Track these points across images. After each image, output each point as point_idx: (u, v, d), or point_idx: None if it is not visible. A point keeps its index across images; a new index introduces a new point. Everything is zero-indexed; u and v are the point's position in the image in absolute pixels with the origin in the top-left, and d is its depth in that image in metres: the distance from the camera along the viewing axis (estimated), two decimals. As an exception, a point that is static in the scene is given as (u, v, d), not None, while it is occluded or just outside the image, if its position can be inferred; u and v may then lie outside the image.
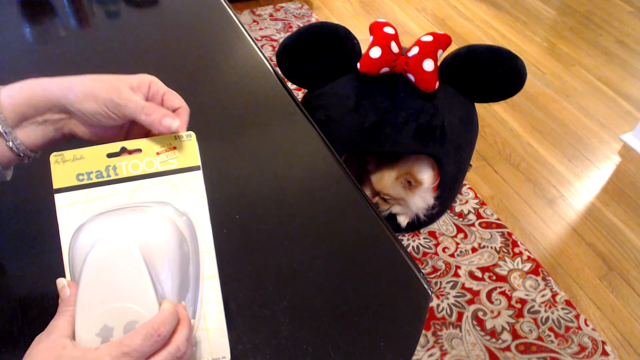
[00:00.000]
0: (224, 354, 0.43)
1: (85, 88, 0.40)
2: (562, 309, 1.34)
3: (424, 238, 1.50)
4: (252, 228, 0.58)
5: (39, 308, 0.48)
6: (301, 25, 1.97)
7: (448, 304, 1.33)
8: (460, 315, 1.30)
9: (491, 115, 1.98)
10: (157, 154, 0.41)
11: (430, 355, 1.22)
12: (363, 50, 1.19)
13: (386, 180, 1.28)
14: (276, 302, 0.50)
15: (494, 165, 1.77)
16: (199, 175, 0.42)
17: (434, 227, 1.53)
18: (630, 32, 2.57)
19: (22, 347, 0.45)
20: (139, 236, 0.38)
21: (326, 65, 1.20)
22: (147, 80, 0.43)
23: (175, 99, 0.44)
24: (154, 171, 0.42)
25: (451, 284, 1.38)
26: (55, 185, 0.41)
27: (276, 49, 1.17)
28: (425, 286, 0.53)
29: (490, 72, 1.18)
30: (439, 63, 1.18)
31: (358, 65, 1.16)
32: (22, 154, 0.42)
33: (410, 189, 1.27)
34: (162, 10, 0.95)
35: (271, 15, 2.42)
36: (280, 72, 1.12)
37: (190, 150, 0.42)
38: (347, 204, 0.61)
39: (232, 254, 0.54)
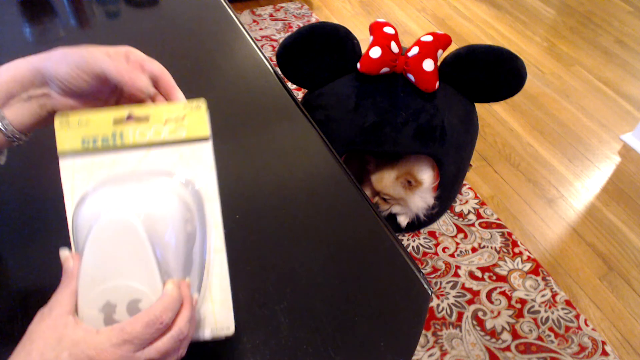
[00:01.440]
0: (228, 325, 0.42)
1: (59, 53, 0.41)
2: (562, 309, 1.34)
3: (424, 238, 1.50)
4: (252, 228, 0.58)
5: (40, 306, 0.48)
6: (301, 25, 1.97)
7: (448, 304, 1.33)
8: (460, 315, 1.30)
9: (491, 115, 1.98)
10: (166, 121, 0.40)
11: (430, 355, 1.22)
12: (363, 50, 1.19)
13: (386, 180, 1.28)
14: (276, 302, 0.50)
15: (494, 165, 1.77)
16: (208, 146, 0.40)
17: (434, 227, 1.53)
18: (630, 32, 2.57)
19: (22, 347, 0.45)
20: (144, 210, 0.37)
21: (326, 65, 1.20)
22: (123, 50, 0.43)
23: (154, 65, 0.43)
24: (161, 140, 0.40)
25: (451, 284, 1.38)
26: (59, 149, 0.39)
27: (276, 49, 1.17)
28: (425, 286, 0.53)
29: (490, 72, 1.18)
30: (439, 63, 1.18)
31: (358, 65, 1.16)
32: (11, 135, 0.41)
33: (410, 189, 1.27)
34: (162, 10, 0.95)
35: (271, 15, 2.41)
36: (280, 72, 1.12)
37: (200, 120, 0.40)
38: (347, 204, 0.61)
39: (232, 254, 0.54)
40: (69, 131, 0.39)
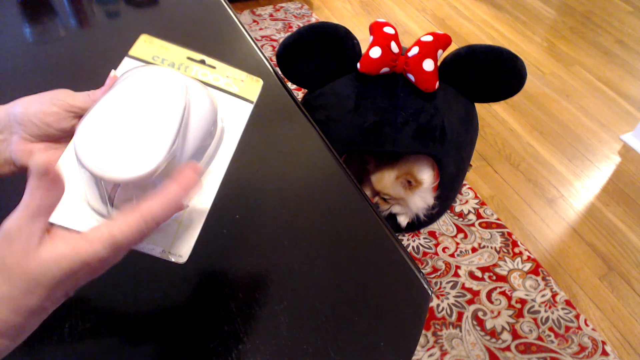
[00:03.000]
0: (182, 254, 0.41)
1: (32, 96, 0.40)
2: (562, 309, 1.34)
3: (424, 238, 1.50)
4: (252, 228, 0.58)
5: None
6: (301, 25, 1.97)
7: (448, 304, 1.33)
8: (460, 315, 1.30)
9: (491, 115, 1.98)
10: (227, 76, 0.46)
11: (430, 355, 1.22)
12: (363, 50, 1.19)
13: (386, 180, 1.28)
14: (276, 302, 0.50)
15: (494, 165, 1.77)
16: (249, 107, 0.45)
17: (434, 227, 1.53)
18: (630, 32, 2.57)
19: (21, 346, 0.45)
20: (191, 91, 0.39)
21: (326, 65, 1.20)
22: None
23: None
24: (217, 85, 0.45)
25: (451, 284, 1.38)
26: (131, 53, 0.44)
27: (276, 49, 1.17)
28: (425, 286, 0.53)
29: (490, 72, 1.18)
30: (439, 63, 1.18)
31: (358, 65, 1.16)
32: None
33: (410, 189, 1.27)
34: (162, 10, 0.95)
35: (271, 15, 2.42)
36: (280, 72, 1.12)
37: (253, 89, 0.46)
38: (347, 204, 0.61)
39: (232, 253, 0.55)
40: (147, 46, 0.44)
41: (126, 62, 0.44)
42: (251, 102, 0.46)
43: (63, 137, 0.41)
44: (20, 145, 0.39)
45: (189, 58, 0.45)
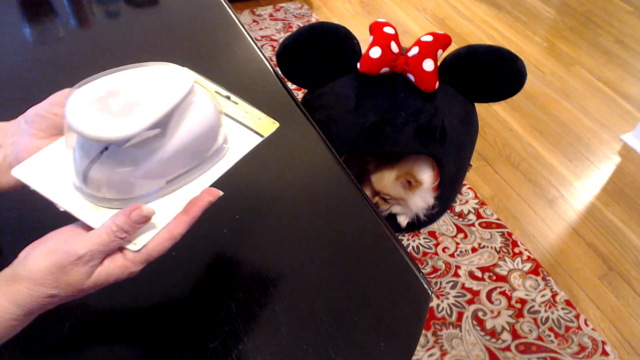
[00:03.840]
0: (137, 243, 0.39)
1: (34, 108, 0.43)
2: (562, 309, 1.34)
3: (424, 238, 1.50)
4: (252, 228, 0.58)
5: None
6: (301, 25, 1.97)
7: (448, 304, 1.33)
8: (460, 315, 1.30)
9: (491, 115, 1.98)
10: (246, 112, 0.48)
11: (430, 355, 1.22)
12: (363, 50, 1.19)
13: (386, 180, 1.28)
14: (276, 302, 0.50)
15: (494, 165, 1.77)
16: (257, 139, 0.46)
17: (434, 227, 1.53)
18: (630, 32, 2.57)
19: (22, 346, 0.45)
20: (198, 92, 0.41)
21: (326, 65, 1.20)
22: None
23: None
24: (233, 116, 0.47)
25: (451, 284, 1.38)
26: None
27: (276, 49, 1.17)
28: (425, 286, 0.53)
29: (490, 72, 1.18)
30: (439, 63, 1.18)
31: (358, 65, 1.16)
32: None
33: (410, 189, 1.27)
34: (162, 10, 0.95)
35: (271, 15, 2.41)
36: (280, 72, 1.12)
37: (268, 127, 0.47)
38: (347, 204, 0.61)
39: (232, 253, 0.55)
40: None
41: None
42: (261, 135, 0.47)
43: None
44: (28, 143, 0.42)
45: (216, 92, 0.47)
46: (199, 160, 0.42)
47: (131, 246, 0.39)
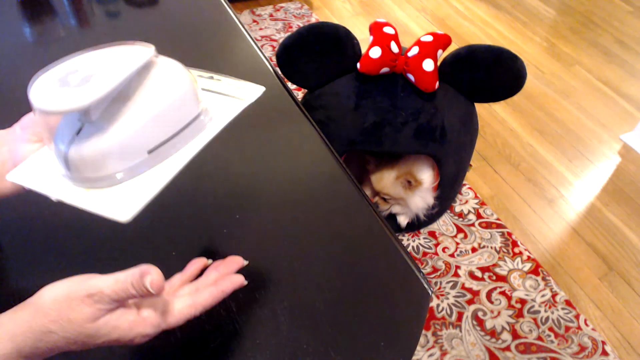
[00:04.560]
0: (124, 214, 0.38)
1: None
2: (562, 309, 1.34)
3: (424, 238, 1.50)
4: (252, 228, 0.58)
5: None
6: (301, 25, 1.97)
7: (448, 304, 1.33)
8: (460, 315, 1.30)
9: (491, 115, 1.98)
10: (229, 84, 0.48)
11: (430, 355, 1.22)
12: (363, 50, 1.19)
13: (386, 180, 1.28)
14: (276, 302, 0.50)
15: (494, 165, 1.77)
16: (241, 104, 0.46)
17: (434, 227, 1.53)
18: (630, 32, 2.57)
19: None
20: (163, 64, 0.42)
21: (326, 65, 1.20)
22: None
23: None
24: (216, 91, 0.48)
25: (451, 284, 1.38)
26: None
27: (276, 49, 1.17)
28: (425, 286, 0.53)
29: (490, 72, 1.18)
30: (439, 63, 1.18)
31: (358, 65, 1.16)
32: None
33: (410, 188, 1.27)
34: (162, 10, 0.95)
35: (271, 15, 2.41)
36: (280, 72, 1.12)
37: (251, 93, 0.47)
38: (347, 204, 0.61)
39: (232, 253, 0.54)
40: None
41: None
42: (245, 101, 0.47)
43: None
44: (24, 148, 0.43)
45: (199, 76, 0.48)
46: (177, 127, 0.42)
47: (120, 217, 0.38)
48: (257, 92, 0.47)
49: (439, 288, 1.37)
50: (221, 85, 0.48)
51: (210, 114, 0.45)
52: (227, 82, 0.48)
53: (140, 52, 0.40)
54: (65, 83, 0.37)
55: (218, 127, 0.44)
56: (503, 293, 1.36)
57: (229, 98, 0.47)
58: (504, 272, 1.42)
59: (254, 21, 2.36)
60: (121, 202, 0.39)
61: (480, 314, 1.31)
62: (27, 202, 0.57)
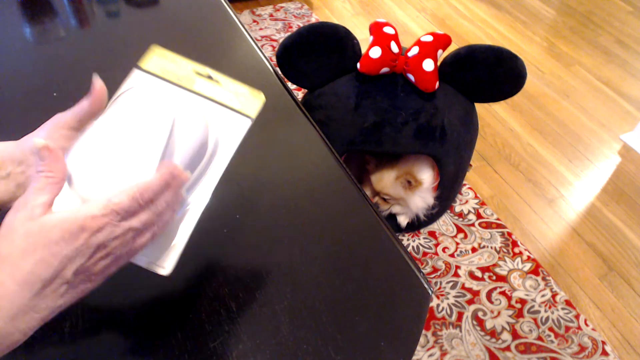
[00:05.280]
0: (165, 266, 0.42)
1: (35, 131, 0.42)
2: (562, 309, 1.34)
3: (424, 238, 1.50)
4: (252, 228, 0.58)
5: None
6: (301, 25, 1.97)
7: (448, 304, 1.33)
8: (460, 315, 1.30)
9: (491, 115, 1.98)
10: (230, 91, 0.47)
11: (430, 355, 1.22)
12: (363, 50, 1.19)
13: (386, 180, 1.28)
14: (276, 302, 0.50)
15: (494, 165, 1.77)
16: (247, 122, 0.47)
17: (434, 227, 1.53)
18: (630, 32, 2.57)
19: (22, 345, 0.45)
20: (179, 108, 0.41)
21: (326, 65, 1.20)
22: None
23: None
24: (219, 100, 0.47)
25: (451, 284, 1.38)
26: (142, 65, 0.45)
27: (276, 49, 1.17)
28: (425, 286, 0.53)
29: (490, 72, 1.18)
30: (439, 63, 1.18)
31: (358, 65, 1.16)
32: None
33: (410, 189, 1.27)
34: (162, 10, 0.95)
35: (271, 15, 2.42)
36: (280, 72, 1.12)
37: (254, 104, 0.47)
38: (347, 204, 0.61)
39: (232, 253, 0.55)
40: (157, 59, 0.46)
41: (136, 75, 0.45)
42: (250, 118, 0.47)
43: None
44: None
45: (196, 72, 0.46)
46: (196, 165, 0.43)
47: (161, 270, 0.41)
48: (259, 103, 0.48)
49: (439, 288, 1.37)
50: (221, 91, 0.47)
51: (219, 142, 0.45)
52: (227, 85, 0.47)
53: (162, 116, 0.40)
54: (104, 167, 0.38)
55: (229, 154, 0.45)
56: (503, 293, 1.36)
57: (233, 114, 0.47)
58: (504, 272, 1.42)
59: (254, 21, 2.36)
60: (160, 254, 0.42)
61: (480, 314, 1.31)
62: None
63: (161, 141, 0.39)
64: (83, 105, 0.42)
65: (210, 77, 0.47)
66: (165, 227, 0.40)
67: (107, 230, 0.34)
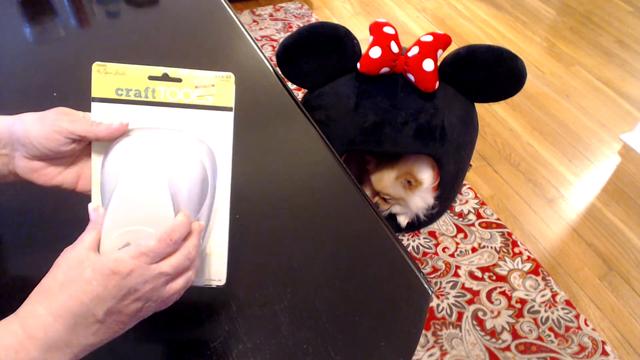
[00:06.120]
0: (220, 277, 0.46)
1: (33, 116, 0.42)
2: (562, 309, 1.34)
3: (424, 238, 1.50)
4: (252, 228, 0.58)
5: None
6: (301, 25, 1.97)
7: (448, 304, 1.33)
8: (460, 315, 1.30)
9: (491, 115, 1.98)
10: (196, 87, 0.43)
11: (430, 355, 1.22)
12: (363, 50, 1.19)
13: (386, 180, 1.28)
14: (276, 302, 0.50)
15: (494, 165, 1.77)
16: (230, 115, 0.44)
17: (434, 227, 1.53)
18: (630, 32, 2.57)
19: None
20: (168, 166, 0.41)
21: (326, 65, 1.20)
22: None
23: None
24: (189, 102, 0.43)
25: (451, 284, 1.38)
26: (94, 94, 0.42)
27: (276, 49, 1.17)
28: (425, 286, 0.53)
29: (490, 72, 1.18)
30: (439, 63, 1.18)
31: (358, 65, 1.16)
32: None
33: (410, 188, 1.27)
34: (162, 10, 0.95)
35: (271, 15, 2.41)
36: (280, 72, 1.12)
37: (227, 91, 0.43)
38: (347, 204, 0.61)
39: (232, 253, 0.54)
40: (106, 78, 0.41)
41: (96, 108, 0.42)
42: (230, 108, 0.44)
43: (62, 158, 0.43)
44: (22, 162, 0.43)
45: (151, 78, 0.42)
46: (208, 198, 0.45)
47: (218, 283, 0.45)
48: (230, 87, 0.43)
49: (439, 288, 1.37)
50: (186, 90, 0.43)
51: (214, 153, 0.44)
52: (189, 79, 0.43)
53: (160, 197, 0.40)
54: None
55: (229, 155, 0.45)
56: (503, 293, 1.36)
57: (211, 112, 0.43)
58: (504, 272, 1.42)
59: (254, 21, 2.36)
60: (209, 269, 0.46)
61: (480, 314, 1.31)
62: (23, 190, 0.57)
63: (168, 210, 0.40)
64: (99, 127, 0.41)
65: (166, 76, 0.42)
66: (198, 272, 0.43)
67: (137, 273, 0.36)
